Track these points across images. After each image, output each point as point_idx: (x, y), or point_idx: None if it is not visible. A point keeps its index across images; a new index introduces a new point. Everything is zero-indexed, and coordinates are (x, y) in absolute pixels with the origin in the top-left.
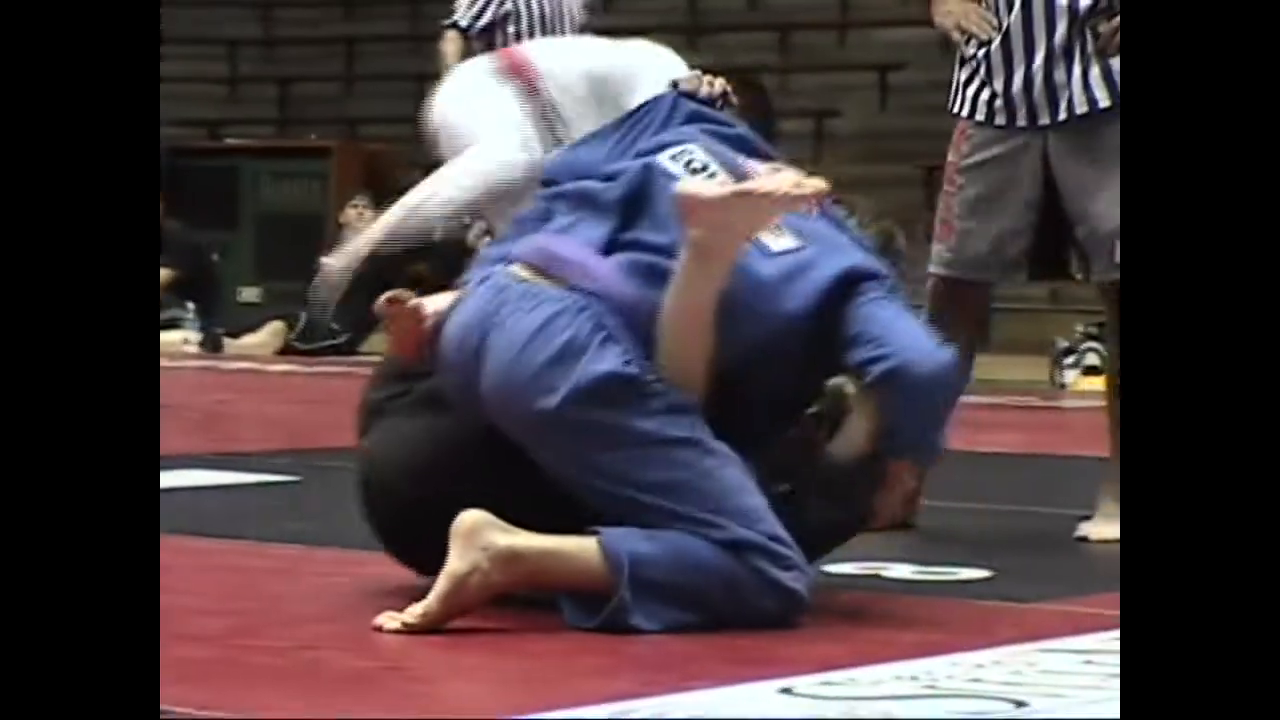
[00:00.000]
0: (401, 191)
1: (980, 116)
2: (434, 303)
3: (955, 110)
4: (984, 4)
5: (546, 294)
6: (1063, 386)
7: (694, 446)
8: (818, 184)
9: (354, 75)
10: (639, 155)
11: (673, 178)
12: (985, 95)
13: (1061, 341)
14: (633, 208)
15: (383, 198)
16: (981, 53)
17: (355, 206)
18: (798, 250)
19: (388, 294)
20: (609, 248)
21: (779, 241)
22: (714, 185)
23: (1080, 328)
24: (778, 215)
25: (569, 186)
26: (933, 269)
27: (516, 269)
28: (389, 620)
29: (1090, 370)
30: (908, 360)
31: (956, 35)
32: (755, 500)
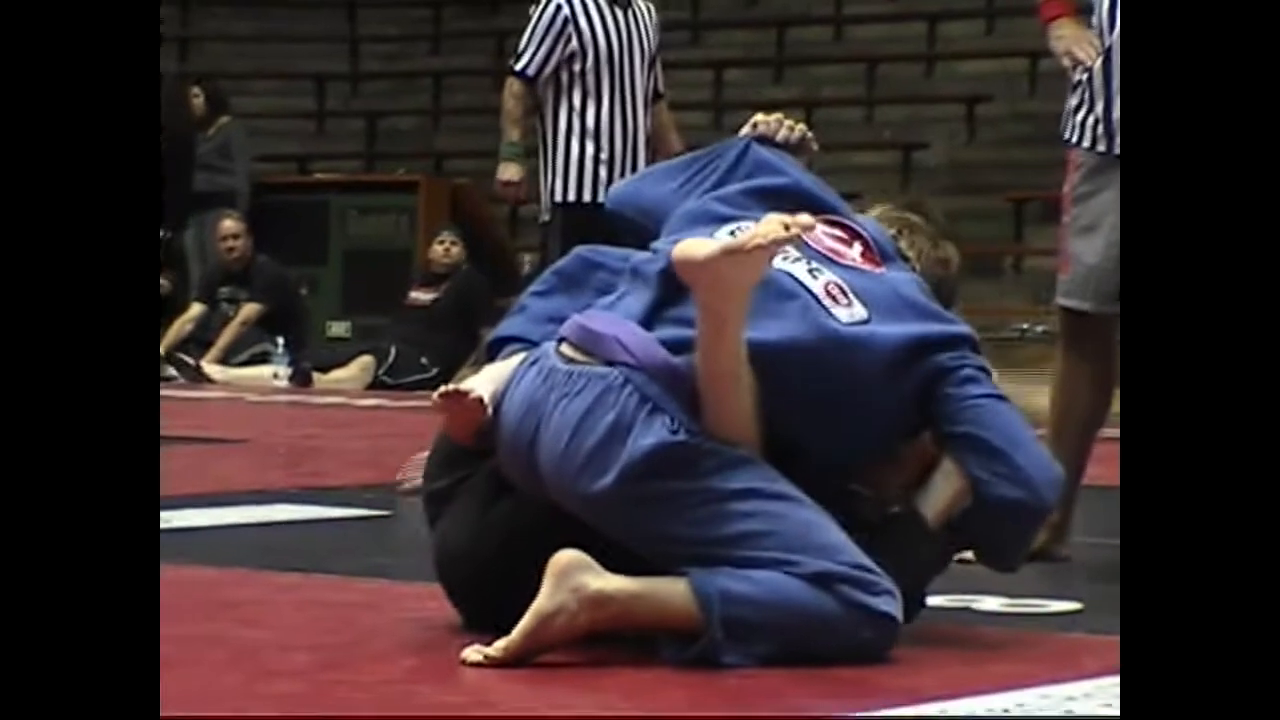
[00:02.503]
0: (485, 224)
1: (1086, 143)
2: (486, 384)
3: (1065, 137)
4: (1094, 28)
5: (590, 374)
6: None
7: (759, 496)
8: (804, 220)
9: (440, 109)
10: (698, 217)
11: None
12: (1090, 120)
13: None
14: (675, 280)
15: (468, 232)
16: (1086, 77)
17: (443, 242)
18: (866, 321)
19: (443, 390)
20: (649, 320)
21: (848, 313)
22: (706, 245)
23: None
24: (768, 262)
25: (630, 264)
26: (1058, 300)
27: (562, 349)
28: (473, 654)
29: None
30: (1040, 498)
31: (1067, 61)
32: (834, 535)
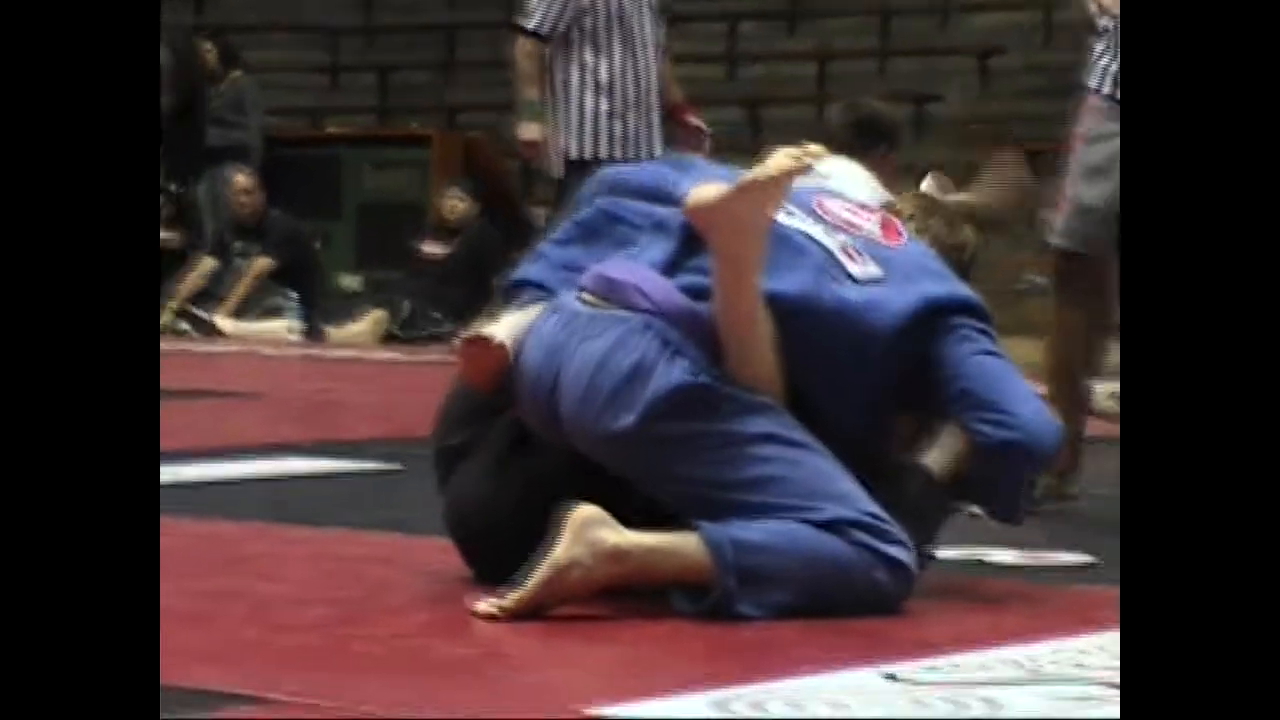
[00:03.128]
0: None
1: (1106, 89)
2: (506, 328)
3: (1087, 82)
4: None
5: (611, 318)
6: None
7: (777, 441)
8: (813, 149)
9: (453, 63)
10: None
11: None
12: (1114, 68)
13: None
14: (695, 229)
15: (481, 185)
16: (1113, 25)
17: (455, 196)
18: (880, 280)
19: (465, 335)
20: (670, 268)
21: (863, 270)
22: (718, 187)
23: None
24: (781, 195)
25: (652, 216)
26: (1051, 240)
27: (583, 296)
28: (485, 606)
29: None
30: (1032, 438)
31: (1094, 7)
32: (848, 484)
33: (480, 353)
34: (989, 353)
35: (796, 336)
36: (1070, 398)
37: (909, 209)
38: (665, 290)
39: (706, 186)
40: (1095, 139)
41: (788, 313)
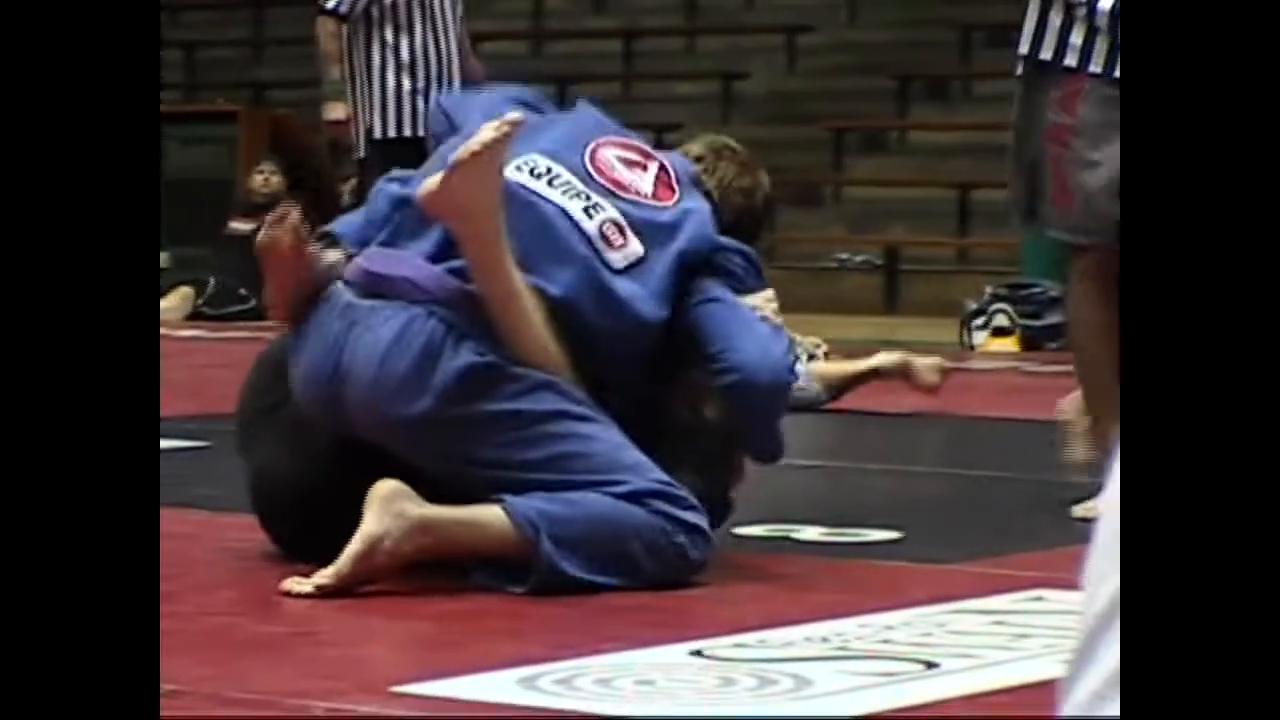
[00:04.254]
0: (306, 154)
1: (1096, 68)
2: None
3: (1066, 63)
4: None
5: (393, 307)
6: (971, 348)
7: (568, 418)
8: (512, 118)
9: (261, 40)
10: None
11: (524, 190)
12: (1101, 46)
13: (970, 303)
14: None
15: (289, 162)
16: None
17: (262, 172)
18: (641, 260)
19: (271, 214)
20: (442, 254)
21: (623, 255)
22: (436, 178)
23: (989, 289)
24: (496, 162)
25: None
26: (1071, 240)
27: (352, 289)
28: (298, 584)
29: (999, 331)
30: (748, 374)
31: None
32: (637, 455)
33: (280, 234)
34: (711, 299)
35: (568, 331)
36: (1108, 403)
37: (699, 150)
38: (438, 278)
39: (430, 178)
40: (1096, 127)
41: (556, 311)
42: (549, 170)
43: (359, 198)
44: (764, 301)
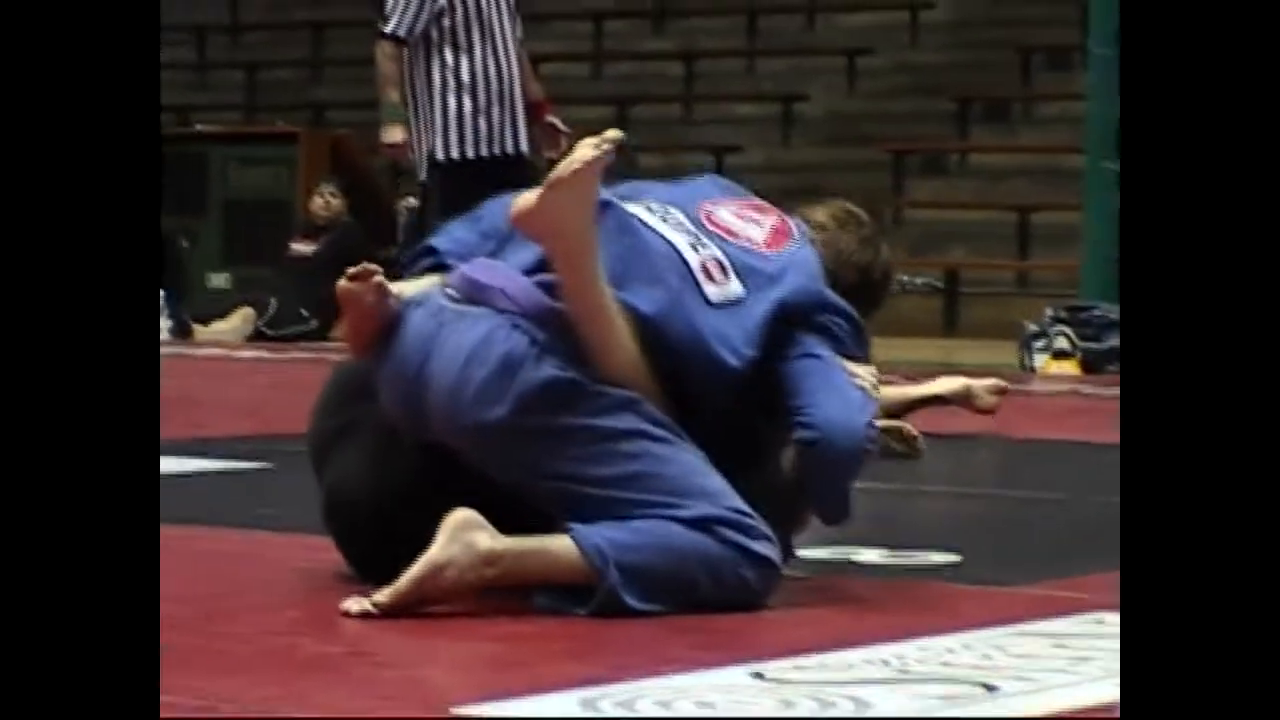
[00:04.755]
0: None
1: None
2: (394, 286)
3: None
4: None
5: (480, 313)
6: (1031, 370)
7: (644, 437)
8: (611, 135)
9: (320, 61)
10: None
11: (628, 214)
12: None
13: (1030, 325)
14: None
15: (349, 183)
16: None
17: (322, 194)
18: (740, 301)
19: (353, 269)
20: (539, 267)
21: (721, 291)
22: (531, 195)
23: (1049, 311)
24: (592, 181)
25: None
26: None
27: (449, 293)
28: (356, 604)
29: (1059, 354)
30: (827, 435)
31: None
32: (715, 480)
33: (361, 290)
34: (809, 355)
35: (655, 352)
36: None
37: (822, 218)
38: (528, 291)
39: (524, 195)
40: None
41: (644, 330)
42: (663, 209)
43: (421, 220)
44: (865, 373)
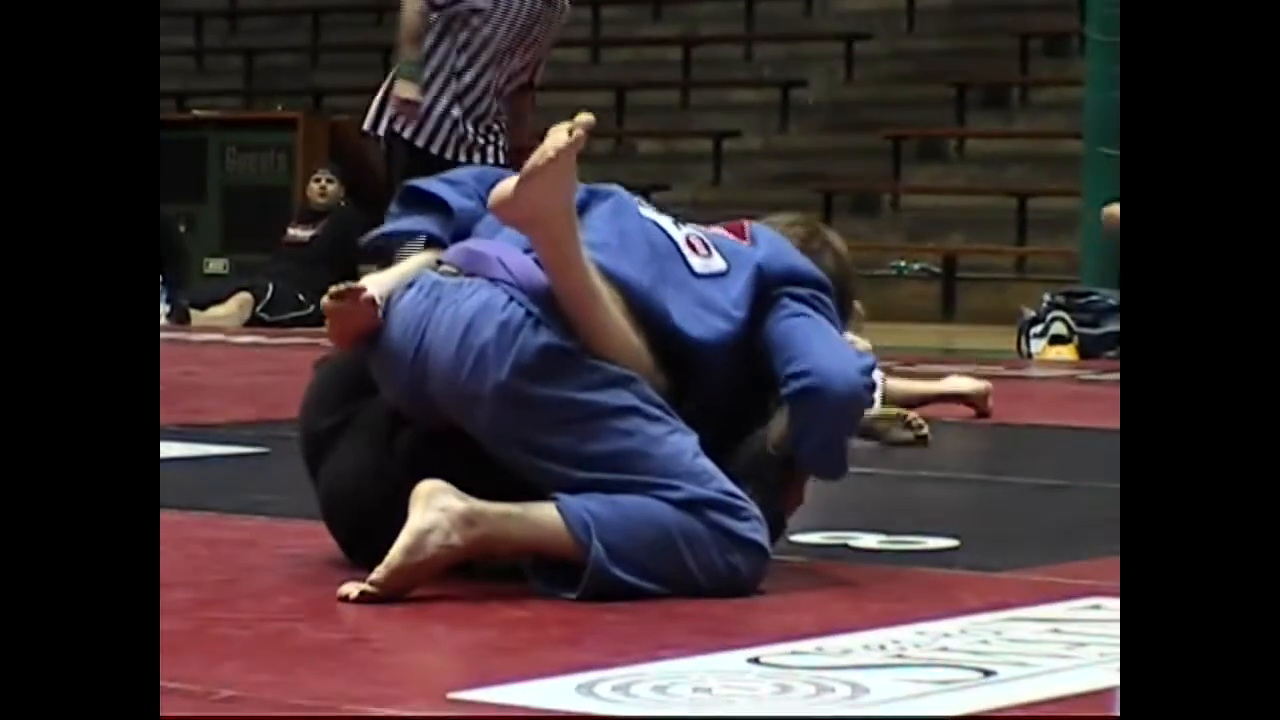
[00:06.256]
0: (364, 161)
1: None
2: (377, 285)
3: None
4: None
5: (478, 283)
6: (1029, 356)
7: (638, 415)
8: (584, 119)
9: (319, 46)
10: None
11: (618, 198)
12: None
13: (1028, 311)
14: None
15: (347, 169)
16: None
17: (320, 180)
18: (724, 273)
19: (335, 289)
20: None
21: (705, 263)
22: (509, 184)
23: (1047, 297)
24: (568, 166)
25: None
26: None
27: (444, 268)
28: (354, 588)
29: (1056, 340)
30: (822, 379)
31: None
32: (705, 462)
33: (351, 307)
34: (797, 315)
35: (642, 325)
36: None
37: (798, 231)
38: (525, 266)
39: (502, 184)
40: None
41: (631, 301)
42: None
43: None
44: (861, 342)
